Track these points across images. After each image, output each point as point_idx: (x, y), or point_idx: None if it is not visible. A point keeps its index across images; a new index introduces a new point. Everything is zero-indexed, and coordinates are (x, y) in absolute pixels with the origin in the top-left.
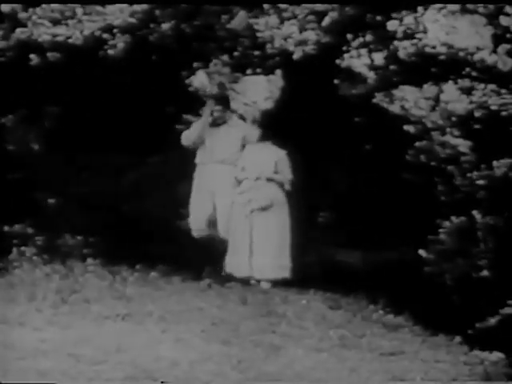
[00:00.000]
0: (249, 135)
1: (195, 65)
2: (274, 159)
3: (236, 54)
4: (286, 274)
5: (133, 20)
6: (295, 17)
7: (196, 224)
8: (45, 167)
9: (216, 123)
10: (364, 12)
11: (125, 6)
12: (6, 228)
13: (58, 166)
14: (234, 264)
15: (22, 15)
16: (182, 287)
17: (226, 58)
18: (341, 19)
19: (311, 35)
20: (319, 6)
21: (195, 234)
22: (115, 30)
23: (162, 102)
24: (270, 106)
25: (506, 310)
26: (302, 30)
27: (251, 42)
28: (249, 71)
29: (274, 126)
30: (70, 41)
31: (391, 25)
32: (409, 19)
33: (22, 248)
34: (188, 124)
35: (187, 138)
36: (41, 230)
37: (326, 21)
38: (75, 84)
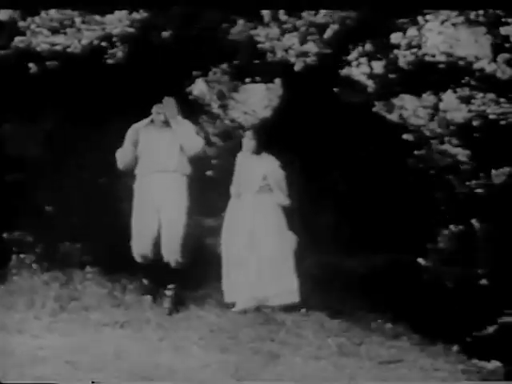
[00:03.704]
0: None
1: (194, 73)
2: (263, 172)
3: (235, 62)
4: (294, 298)
5: (132, 30)
6: (296, 29)
7: (139, 247)
8: (44, 174)
9: (159, 126)
10: (364, 21)
11: (124, 15)
12: (5, 235)
13: (58, 173)
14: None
15: (21, 24)
16: (180, 295)
17: (225, 66)
18: (342, 30)
19: (312, 47)
20: (320, 19)
21: (138, 259)
22: (114, 39)
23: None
24: (269, 115)
25: (505, 319)
26: (302, 42)
27: (251, 50)
28: (248, 80)
29: (274, 133)
30: (68, 50)
31: (395, 37)
32: (412, 31)
33: (21, 255)
34: None
35: (121, 160)
36: (40, 237)
37: (328, 33)
38: (74, 90)
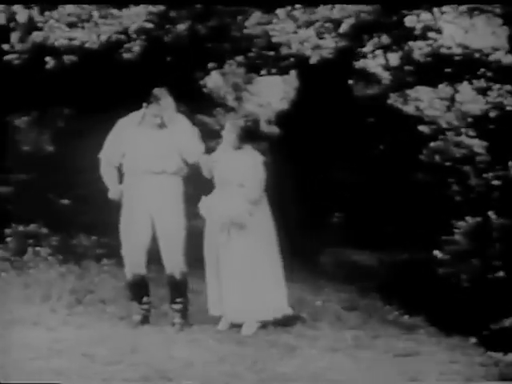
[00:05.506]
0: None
1: (210, 65)
2: (241, 170)
3: (251, 54)
4: (286, 310)
5: (149, 25)
6: (311, 24)
7: (130, 259)
8: (59, 167)
9: (153, 127)
10: (380, 13)
11: (141, 9)
12: (21, 228)
13: (72, 167)
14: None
15: (39, 19)
16: (197, 287)
17: (240, 58)
18: (357, 24)
19: (328, 42)
20: (335, 14)
21: (129, 273)
22: (131, 32)
23: (176, 102)
24: (284, 107)
25: None
26: (319, 36)
27: (266, 42)
28: (263, 72)
29: (287, 125)
30: (86, 45)
31: (409, 21)
32: (426, 16)
33: (37, 248)
34: (202, 125)
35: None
36: (55, 230)
37: (343, 27)
38: (89, 85)
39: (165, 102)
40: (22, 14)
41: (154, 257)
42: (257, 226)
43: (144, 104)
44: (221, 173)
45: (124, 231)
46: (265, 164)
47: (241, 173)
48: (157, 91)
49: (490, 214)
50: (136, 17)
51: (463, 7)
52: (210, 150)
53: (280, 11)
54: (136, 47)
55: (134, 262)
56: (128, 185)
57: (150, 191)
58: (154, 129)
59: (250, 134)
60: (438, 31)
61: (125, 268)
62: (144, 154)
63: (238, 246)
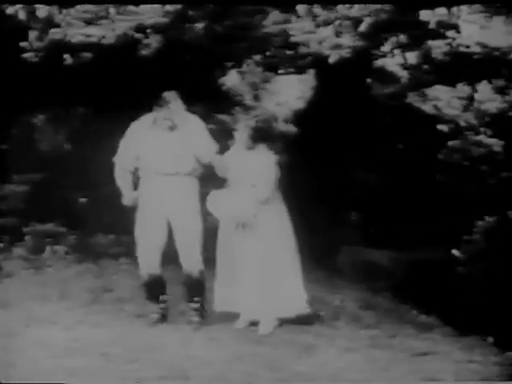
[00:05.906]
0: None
1: (228, 65)
2: (254, 170)
3: (269, 53)
4: (304, 309)
5: (165, 20)
6: (330, 23)
7: (145, 259)
8: (76, 166)
9: (165, 129)
10: (398, 12)
11: (157, 5)
12: (39, 227)
13: (90, 165)
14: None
15: (57, 16)
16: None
17: (258, 57)
18: (376, 23)
19: (347, 41)
20: (354, 12)
21: (144, 272)
22: (148, 30)
23: (193, 101)
24: (302, 106)
25: None
26: (337, 35)
27: (284, 41)
28: (281, 71)
29: (305, 125)
30: (103, 41)
31: (424, 15)
32: (441, 10)
33: (55, 247)
34: (220, 124)
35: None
36: (73, 228)
37: (363, 27)
38: (107, 83)
39: (174, 105)
40: (41, 11)
41: (171, 255)
42: (271, 224)
43: (154, 107)
44: (233, 173)
45: (139, 233)
46: (278, 163)
47: (254, 173)
48: (166, 95)
49: (509, 213)
50: (153, 12)
51: (481, 6)
52: (227, 149)
53: (299, 10)
54: (154, 44)
55: (149, 263)
56: (143, 187)
57: (166, 193)
58: (166, 131)
59: (262, 134)
60: (457, 30)
61: (139, 269)
62: (157, 156)
63: (254, 244)
